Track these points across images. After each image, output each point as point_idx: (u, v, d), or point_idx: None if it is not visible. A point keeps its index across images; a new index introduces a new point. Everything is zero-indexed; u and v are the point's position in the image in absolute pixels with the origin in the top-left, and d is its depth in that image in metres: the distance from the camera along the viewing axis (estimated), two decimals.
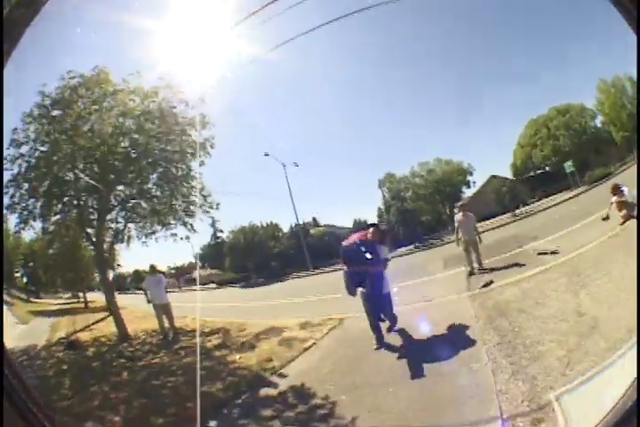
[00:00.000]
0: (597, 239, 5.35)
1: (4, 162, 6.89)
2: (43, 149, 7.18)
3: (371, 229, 5.23)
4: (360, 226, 4.58)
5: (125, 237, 8.37)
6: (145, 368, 5.52)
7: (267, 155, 10.94)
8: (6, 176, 6.93)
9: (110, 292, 8.13)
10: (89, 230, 7.95)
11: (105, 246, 8.22)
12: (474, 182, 13.42)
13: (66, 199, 7.58)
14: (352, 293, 5.00)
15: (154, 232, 8.36)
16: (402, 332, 5.00)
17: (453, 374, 3.39)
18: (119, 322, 7.58)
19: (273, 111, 13.72)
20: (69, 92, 7.09)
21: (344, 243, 5.33)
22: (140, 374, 5.23)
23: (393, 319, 5.16)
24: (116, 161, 7.30)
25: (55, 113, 7.12)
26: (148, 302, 7.24)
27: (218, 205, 8.29)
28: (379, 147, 14.98)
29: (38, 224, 7.63)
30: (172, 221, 8.16)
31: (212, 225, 13.93)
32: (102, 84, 7.22)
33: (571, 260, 5.32)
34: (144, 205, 8.21)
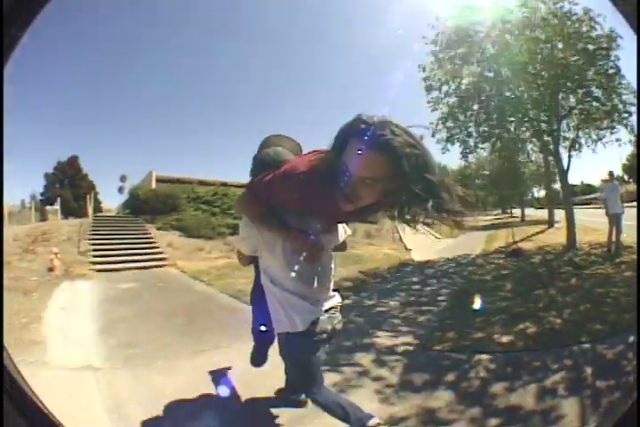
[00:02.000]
0: None
1: (429, 104, 8.75)
2: (465, 81, 8.64)
3: None
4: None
5: (576, 146, 8.70)
6: (591, 277, 5.62)
7: None
8: (435, 115, 8.88)
9: (569, 203, 8.76)
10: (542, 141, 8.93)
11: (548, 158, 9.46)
12: None
13: (512, 119, 8.68)
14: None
15: (600, 138, 8.39)
16: None
17: None
18: (570, 233, 8.03)
19: None
20: (471, 42, 8.39)
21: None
22: (587, 281, 5.40)
23: None
24: (558, 69, 7.82)
25: (461, 50, 8.53)
26: (606, 212, 7.05)
27: None
28: None
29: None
30: (615, 125, 8.08)
31: None
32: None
33: None
34: (591, 110, 8.27)
